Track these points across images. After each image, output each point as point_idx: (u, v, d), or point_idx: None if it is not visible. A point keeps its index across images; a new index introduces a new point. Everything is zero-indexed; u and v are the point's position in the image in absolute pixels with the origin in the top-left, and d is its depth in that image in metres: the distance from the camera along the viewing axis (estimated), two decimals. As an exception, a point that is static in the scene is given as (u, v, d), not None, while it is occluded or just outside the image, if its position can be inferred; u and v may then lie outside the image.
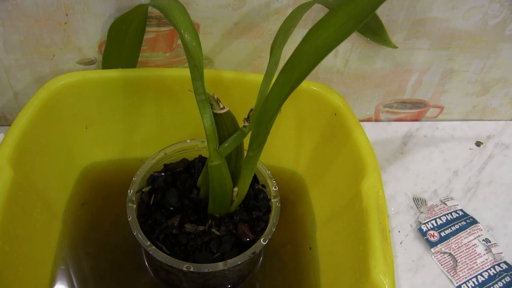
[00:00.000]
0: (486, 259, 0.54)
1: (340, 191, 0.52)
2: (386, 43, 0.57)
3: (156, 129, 0.58)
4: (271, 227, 0.46)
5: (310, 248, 0.53)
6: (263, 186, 0.51)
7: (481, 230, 0.57)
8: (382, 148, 0.66)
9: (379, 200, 0.45)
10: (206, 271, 0.43)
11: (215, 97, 0.43)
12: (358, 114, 0.68)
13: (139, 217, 0.47)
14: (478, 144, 0.68)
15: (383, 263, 0.40)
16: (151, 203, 0.49)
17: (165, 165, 0.52)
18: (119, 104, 0.55)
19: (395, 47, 0.58)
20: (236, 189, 0.47)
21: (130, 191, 0.47)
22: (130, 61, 0.56)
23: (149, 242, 0.44)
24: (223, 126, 0.43)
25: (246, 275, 0.50)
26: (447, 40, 0.60)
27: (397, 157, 0.65)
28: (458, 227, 0.57)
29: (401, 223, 0.57)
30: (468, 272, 0.53)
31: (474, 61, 0.63)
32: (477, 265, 0.53)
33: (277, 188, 0.49)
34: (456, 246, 0.55)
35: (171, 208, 0.48)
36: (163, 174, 0.51)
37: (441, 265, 0.54)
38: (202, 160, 0.52)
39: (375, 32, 0.56)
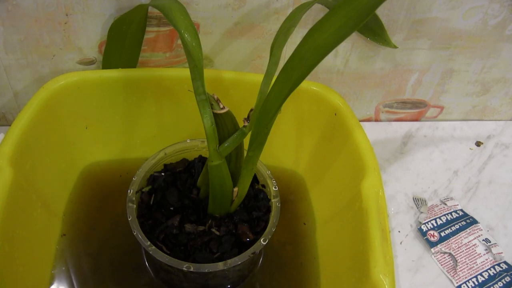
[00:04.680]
0: (486, 259, 0.54)
1: (340, 191, 0.52)
2: (386, 43, 0.57)
3: (156, 129, 0.58)
4: (271, 227, 0.46)
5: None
6: (263, 186, 0.51)
7: (481, 230, 0.57)
8: (382, 148, 0.66)
9: (379, 200, 0.45)
10: (206, 271, 0.43)
11: (215, 97, 0.43)
12: (358, 114, 0.68)
13: (139, 217, 0.47)
14: (478, 144, 0.68)
15: (383, 263, 0.40)
16: (151, 203, 0.49)
17: (165, 165, 0.52)
18: (119, 104, 0.55)
19: (395, 47, 0.58)
20: (236, 189, 0.47)
21: (130, 191, 0.47)
22: (130, 61, 0.56)
23: (149, 242, 0.44)
24: (223, 126, 0.43)
25: (246, 275, 0.50)
26: (447, 40, 0.60)
27: (397, 157, 0.65)
28: (458, 227, 0.57)
29: (401, 223, 0.57)
30: (468, 272, 0.53)
31: (474, 61, 0.63)
32: (477, 265, 0.53)
33: (277, 188, 0.49)
34: (456, 246, 0.55)
35: (171, 208, 0.48)
36: (163, 174, 0.51)
37: (441, 265, 0.54)
38: (202, 160, 0.52)
39: (375, 32, 0.56)
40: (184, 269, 0.42)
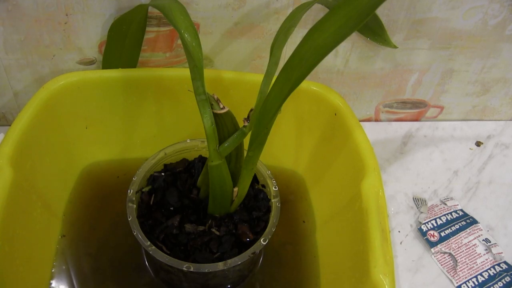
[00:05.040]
0: (486, 259, 0.54)
1: (340, 191, 0.52)
2: (386, 43, 0.57)
3: (156, 129, 0.58)
4: (271, 227, 0.46)
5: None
6: (263, 186, 0.51)
7: (481, 230, 0.57)
8: (382, 148, 0.66)
9: (379, 200, 0.45)
10: (206, 271, 0.43)
11: (215, 97, 0.43)
12: (358, 114, 0.68)
13: (139, 217, 0.47)
14: (478, 144, 0.68)
15: (383, 263, 0.40)
16: (151, 203, 0.49)
17: (165, 165, 0.52)
18: (119, 104, 0.55)
19: (395, 47, 0.58)
20: (236, 189, 0.47)
21: (130, 191, 0.47)
22: (130, 61, 0.56)
23: (149, 242, 0.44)
24: (223, 126, 0.43)
25: (246, 275, 0.50)
26: (447, 40, 0.60)
27: (397, 157, 0.65)
28: (458, 227, 0.57)
29: (401, 223, 0.57)
30: (468, 272, 0.53)
31: (474, 61, 0.63)
32: (477, 265, 0.53)
33: (277, 188, 0.49)
34: (456, 246, 0.55)
35: (171, 208, 0.48)
36: (163, 174, 0.51)
37: (441, 265, 0.54)
38: (202, 160, 0.52)
39: (375, 32, 0.56)
40: (184, 269, 0.42)
